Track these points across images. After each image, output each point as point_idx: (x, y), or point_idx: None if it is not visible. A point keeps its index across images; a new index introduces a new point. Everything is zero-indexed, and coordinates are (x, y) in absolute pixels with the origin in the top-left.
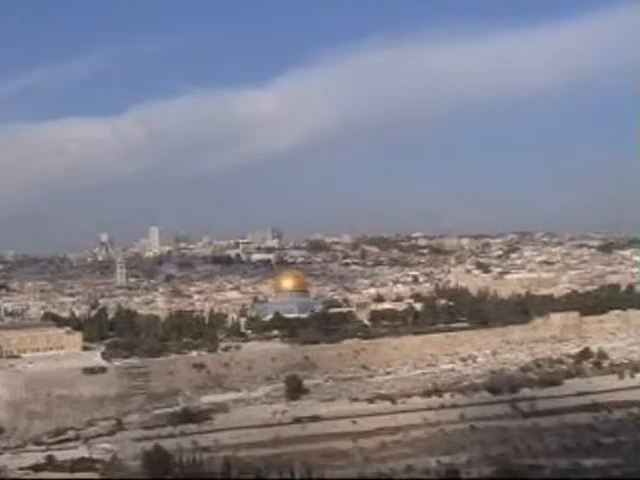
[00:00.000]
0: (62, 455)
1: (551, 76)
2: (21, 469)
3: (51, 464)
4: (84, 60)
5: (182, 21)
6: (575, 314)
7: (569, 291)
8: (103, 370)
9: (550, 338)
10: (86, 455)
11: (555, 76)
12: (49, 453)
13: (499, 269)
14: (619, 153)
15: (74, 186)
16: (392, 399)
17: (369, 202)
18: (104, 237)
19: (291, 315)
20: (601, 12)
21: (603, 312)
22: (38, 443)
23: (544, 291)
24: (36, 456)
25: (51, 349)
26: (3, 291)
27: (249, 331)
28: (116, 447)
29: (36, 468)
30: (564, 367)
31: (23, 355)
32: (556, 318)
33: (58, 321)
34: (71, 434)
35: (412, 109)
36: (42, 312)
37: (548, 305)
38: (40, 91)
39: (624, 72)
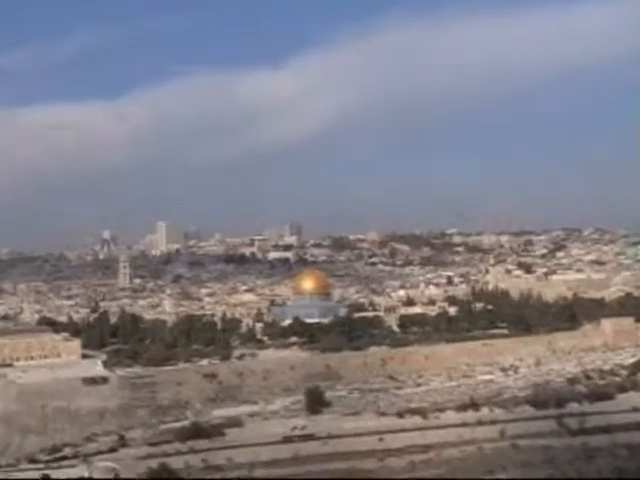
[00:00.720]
0: (58, 474)
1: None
2: None
3: None
4: (73, 39)
5: None
6: (629, 319)
7: (622, 294)
8: (104, 380)
9: (601, 346)
10: (85, 475)
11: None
12: (44, 472)
13: (543, 269)
14: None
15: (70, 177)
16: (423, 414)
17: (396, 195)
18: (106, 233)
19: (312, 320)
20: None
21: None
22: (33, 461)
23: (594, 294)
24: (30, 475)
25: (47, 357)
26: None
27: (265, 337)
28: (118, 466)
29: None
30: (617, 379)
31: (16, 364)
32: (608, 324)
33: (55, 326)
34: (69, 451)
35: (434, 91)
36: (37, 316)
37: (599, 310)
38: (24, 72)
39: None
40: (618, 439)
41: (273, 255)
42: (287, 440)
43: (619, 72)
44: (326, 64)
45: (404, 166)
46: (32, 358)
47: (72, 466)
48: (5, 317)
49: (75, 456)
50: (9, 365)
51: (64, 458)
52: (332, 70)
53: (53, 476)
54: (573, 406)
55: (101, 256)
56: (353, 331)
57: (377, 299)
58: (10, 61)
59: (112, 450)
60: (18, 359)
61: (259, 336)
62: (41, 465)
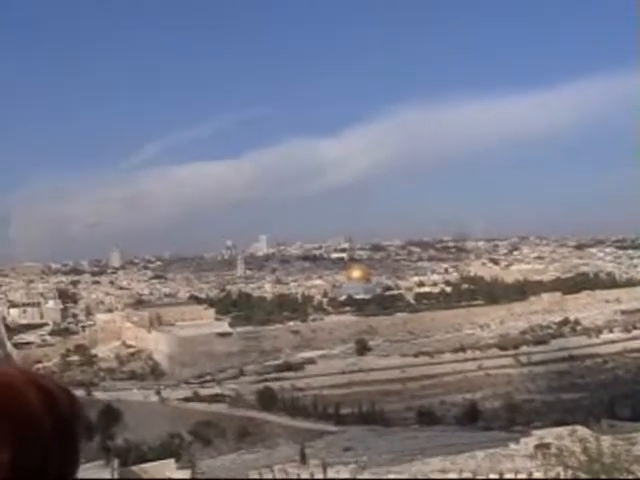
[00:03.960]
0: (203, 391)
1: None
2: (177, 399)
3: (196, 397)
4: (211, 121)
5: (267, 92)
6: (559, 293)
7: (554, 277)
8: (229, 334)
9: (541, 311)
10: (219, 392)
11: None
12: (194, 390)
13: (505, 262)
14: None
15: (208, 208)
16: (430, 355)
17: (414, 216)
18: (229, 242)
19: (359, 296)
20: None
21: (578, 292)
22: (187, 383)
23: (537, 277)
24: (186, 392)
25: (194, 320)
26: (162, 280)
27: (329, 308)
28: (239, 387)
29: (186, 399)
30: (551, 331)
31: (176, 324)
32: (545, 297)
33: (199, 300)
34: (208, 377)
35: (444, 153)
36: (188, 294)
37: (540, 287)
38: (185, 143)
39: None
40: (551, 368)
41: (334, 255)
42: (344, 372)
43: None
44: (366, 133)
45: (417, 202)
46: (185, 320)
47: (211, 387)
48: (168, 295)
49: (212, 380)
50: (172, 325)
51: (206, 382)
52: (370, 136)
53: (200, 392)
54: (524, 348)
55: (226, 257)
56: (385, 303)
57: (400, 282)
58: None
59: (234, 377)
60: (177, 321)
61: (325, 307)
62: (192, 386)
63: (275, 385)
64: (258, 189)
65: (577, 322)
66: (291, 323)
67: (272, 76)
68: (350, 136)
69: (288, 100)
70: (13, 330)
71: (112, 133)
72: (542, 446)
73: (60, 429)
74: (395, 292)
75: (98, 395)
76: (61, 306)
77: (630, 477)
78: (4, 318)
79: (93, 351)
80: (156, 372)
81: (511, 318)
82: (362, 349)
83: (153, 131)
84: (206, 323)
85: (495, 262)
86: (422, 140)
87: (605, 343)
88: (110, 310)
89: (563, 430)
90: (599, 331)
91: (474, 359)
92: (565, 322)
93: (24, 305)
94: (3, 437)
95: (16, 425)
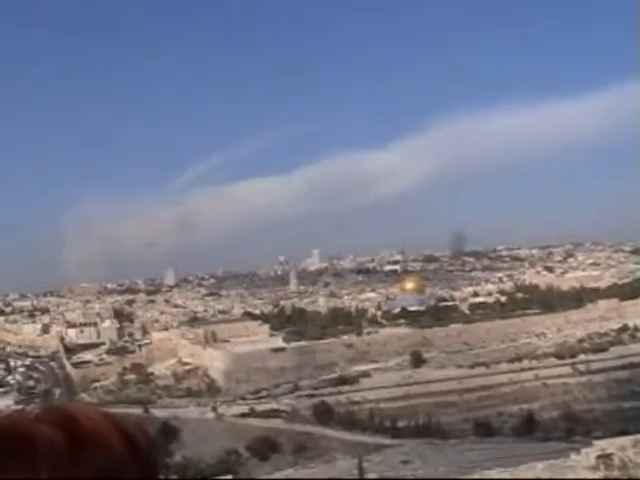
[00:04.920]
0: (259, 407)
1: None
2: (233, 415)
3: (252, 413)
4: (257, 138)
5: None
6: (615, 300)
7: (610, 284)
8: (283, 350)
9: (598, 318)
10: (275, 407)
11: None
12: (250, 406)
13: (560, 270)
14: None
15: (259, 224)
16: (486, 365)
17: (463, 225)
18: (281, 258)
19: (413, 308)
20: None
21: (635, 298)
22: (243, 399)
23: (593, 284)
24: (242, 408)
25: (249, 336)
26: (216, 297)
27: (383, 320)
28: (294, 402)
29: (242, 415)
30: (609, 338)
31: (231, 340)
32: (602, 303)
33: (253, 317)
34: (264, 393)
35: (493, 162)
36: (242, 311)
37: (596, 294)
38: (234, 160)
39: None
40: (610, 376)
41: (387, 268)
42: (400, 385)
43: None
44: (414, 144)
45: (464, 211)
46: (240, 336)
47: (267, 402)
48: (222, 312)
49: (268, 396)
50: (227, 341)
51: (262, 397)
52: (420, 149)
53: (256, 408)
54: (581, 356)
55: (279, 272)
56: (439, 314)
57: (454, 293)
58: None
59: (290, 392)
60: (232, 337)
61: (379, 319)
62: (248, 401)
63: (330, 399)
64: (308, 204)
65: (636, 329)
66: (345, 337)
67: (316, 91)
68: (398, 148)
69: (333, 114)
70: (71, 350)
71: (163, 152)
72: (604, 457)
73: (142, 471)
74: (449, 303)
75: (155, 412)
76: (117, 325)
77: None
78: (62, 338)
79: (149, 369)
80: (212, 389)
81: (568, 326)
82: (417, 361)
83: (201, 150)
84: (260, 339)
85: (550, 270)
86: (470, 150)
87: None
88: (165, 328)
89: (626, 440)
90: None
91: (531, 369)
92: (624, 329)
93: (81, 325)
94: None
95: (102, 471)
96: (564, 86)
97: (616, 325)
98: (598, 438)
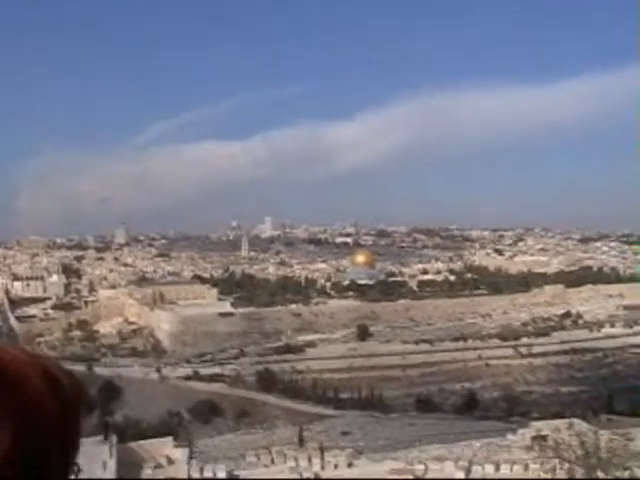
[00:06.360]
0: (203, 370)
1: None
2: (177, 377)
3: (196, 376)
4: (227, 100)
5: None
6: (561, 286)
7: (557, 270)
8: (231, 315)
9: (544, 303)
10: (219, 372)
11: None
12: (195, 369)
13: (509, 253)
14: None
15: (217, 188)
16: (431, 342)
17: (419, 202)
18: (234, 223)
19: (362, 281)
20: None
21: (581, 285)
22: (188, 362)
23: (540, 270)
24: (186, 371)
25: (197, 299)
26: (166, 258)
27: (332, 292)
28: (239, 367)
29: (186, 378)
30: (552, 323)
31: (179, 302)
32: (548, 289)
33: (202, 280)
34: (210, 357)
35: (454, 142)
36: (192, 273)
37: (543, 279)
38: (198, 121)
39: None
40: (551, 360)
41: (339, 240)
42: (344, 356)
43: None
44: (378, 118)
45: (424, 190)
46: (188, 299)
47: (212, 366)
48: (172, 273)
49: (213, 360)
50: (175, 303)
51: (207, 361)
52: (382, 122)
53: (200, 371)
54: (524, 339)
55: (231, 237)
56: (388, 289)
57: (404, 269)
58: None
59: (236, 358)
60: (180, 300)
61: (328, 291)
62: (193, 364)
63: (275, 367)
64: (267, 170)
65: (579, 315)
66: (293, 306)
67: (289, 59)
68: (363, 120)
69: (304, 83)
70: (16, 303)
71: (126, 110)
72: (539, 438)
73: (64, 414)
74: (399, 279)
75: (99, 371)
76: (65, 281)
77: (626, 473)
78: (7, 291)
79: (95, 327)
80: (157, 350)
81: (513, 309)
82: (363, 334)
83: (166, 108)
84: (209, 303)
85: (499, 252)
86: (433, 128)
87: (606, 338)
88: (113, 287)
89: (561, 423)
90: (601, 325)
91: (474, 348)
92: (567, 315)
93: (28, 279)
94: (6, 420)
95: (20, 408)
96: (528, 72)
97: (560, 311)
98: (535, 420)
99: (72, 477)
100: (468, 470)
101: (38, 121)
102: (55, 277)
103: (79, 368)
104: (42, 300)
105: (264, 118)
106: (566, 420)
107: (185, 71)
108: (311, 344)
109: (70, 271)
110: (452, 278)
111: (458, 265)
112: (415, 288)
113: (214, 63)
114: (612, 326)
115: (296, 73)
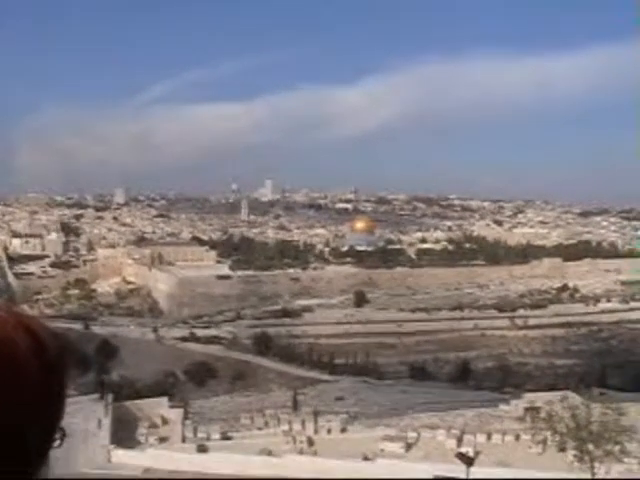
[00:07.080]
0: (200, 332)
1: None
2: (173, 338)
3: (192, 337)
4: (230, 61)
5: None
6: (559, 259)
7: (556, 243)
8: (229, 277)
9: (541, 275)
10: (216, 334)
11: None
12: (191, 330)
13: (509, 225)
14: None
15: (218, 149)
16: (427, 311)
17: (420, 170)
18: (234, 186)
19: (361, 248)
20: None
21: (579, 259)
22: (185, 323)
23: (539, 242)
24: (182, 332)
25: (195, 261)
26: (165, 219)
27: (331, 257)
28: (236, 330)
29: (182, 339)
30: (549, 296)
31: (177, 263)
32: (546, 262)
33: (201, 242)
34: (206, 319)
35: (458, 111)
36: (190, 235)
37: (541, 252)
38: (200, 82)
39: None
40: (547, 332)
41: (339, 205)
42: (341, 322)
43: None
44: (382, 84)
45: (425, 155)
46: (187, 261)
47: (208, 328)
48: (171, 234)
49: (210, 322)
50: (172, 264)
51: (204, 323)
52: (386, 88)
53: (197, 333)
54: (521, 311)
55: (230, 200)
56: (387, 257)
57: (403, 237)
58: None
59: (233, 320)
60: (178, 261)
61: (327, 256)
62: (189, 326)
63: (272, 331)
64: (268, 134)
65: (576, 289)
66: (291, 270)
67: (293, 22)
68: (366, 86)
69: (308, 46)
70: (14, 260)
71: (128, 67)
72: (532, 409)
73: (47, 374)
74: (397, 246)
75: (96, 330)
76: (63, 239)
77: (617, 447)
78: (6, 248)
79: (93, 285)
80: (154, 310)
81: (511, 280)
82: (360, 301)
83: (169, 67)
84: (207, 265)
85: (499, 223)
86: (437, 96)
87: (602, 312)
88: (112, 246)
89: (554, 395)
90: (597, 300)
91: (471, 318)
92: (564, 288)
93: (27, 236)
94: None
95: (2, 370)
96: (532, 42)
97: (557, 284)
98: (529, 391)
99: (58, 442)
100: (460, 439)
101: (35, 76)
102: (54, 235)
103: (76, 326)
104: (41, 258)
105: (266, 80)
106: (559, 392)
107: (186, 31)
108: (308, 309)
109: (69, 229)
110: (451, 247)
111: (457, 235)
112: (413, 256)
113: (216, 23)
114: (608, 301)
115: (299, 34)
